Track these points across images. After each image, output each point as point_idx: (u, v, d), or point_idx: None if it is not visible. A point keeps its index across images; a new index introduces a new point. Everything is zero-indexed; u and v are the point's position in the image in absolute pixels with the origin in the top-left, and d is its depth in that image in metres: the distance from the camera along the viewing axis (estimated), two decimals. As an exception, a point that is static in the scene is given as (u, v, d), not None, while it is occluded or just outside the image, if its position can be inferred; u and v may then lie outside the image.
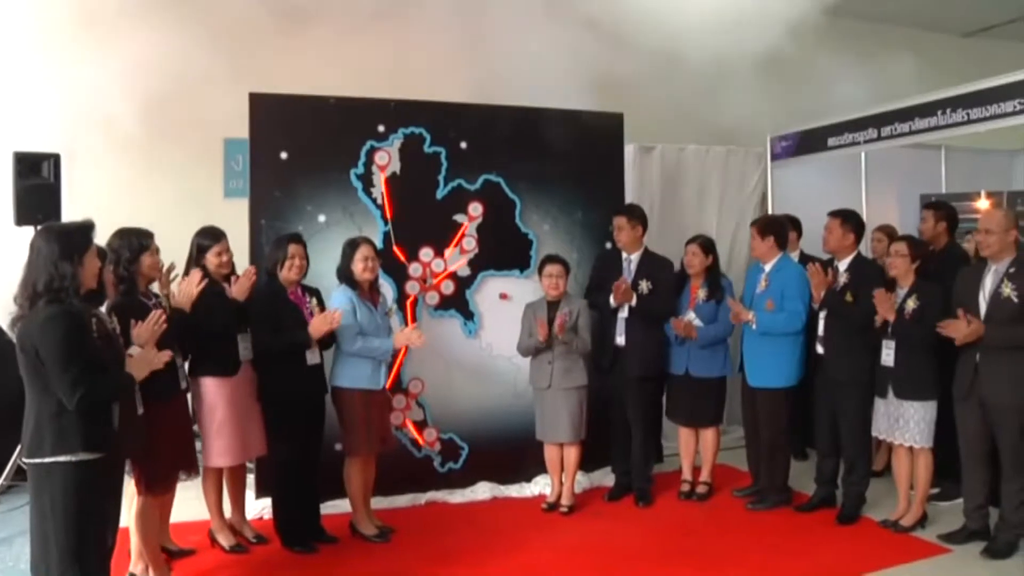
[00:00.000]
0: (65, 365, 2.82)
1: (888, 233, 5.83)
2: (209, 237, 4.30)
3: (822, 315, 4.81)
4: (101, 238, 3.58)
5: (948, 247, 5.23)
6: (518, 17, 7.24)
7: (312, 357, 4.38)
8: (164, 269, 4.12)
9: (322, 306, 4.49)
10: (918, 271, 4.55)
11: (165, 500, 4.08)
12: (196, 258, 4.28)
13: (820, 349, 4.86)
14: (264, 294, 4.36)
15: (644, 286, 5.11)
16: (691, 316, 5.14)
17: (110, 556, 3.37)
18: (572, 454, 5.07)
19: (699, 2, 5.79)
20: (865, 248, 5.55)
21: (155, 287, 4.11)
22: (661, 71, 7.80)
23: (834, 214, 4.93)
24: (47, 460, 2.87)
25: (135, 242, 3.83)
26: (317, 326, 4.26)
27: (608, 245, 5.52)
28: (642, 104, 6.80)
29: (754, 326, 4.92)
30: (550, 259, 5.07)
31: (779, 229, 5.12)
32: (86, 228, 3.07)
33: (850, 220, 4.87)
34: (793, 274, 4.96)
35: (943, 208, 5.34)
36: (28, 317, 2.88)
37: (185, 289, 3.96)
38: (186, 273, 4.27)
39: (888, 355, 4.56)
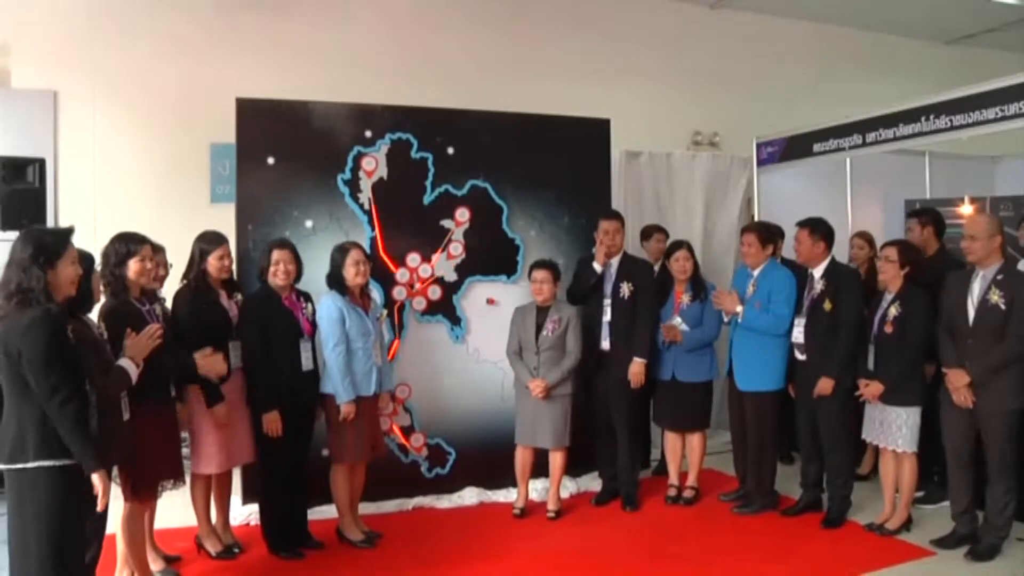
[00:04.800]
0: (47, 371, 2.81)
1: (868, 240, 5.83)
2: (211, 242, 4.29)
3: (800, 322, 4.84)
4: (89, 243, 3.57)
5: (939, 253, 5.20)
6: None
7: (307, 363, 4.37)
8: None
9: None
10: (907, 277, 4.56)
11: (151, 508, 4.07)
12: (198, 262, 4.26)
13: (800, 356, 4.88)
14: (255, 300, 4.35)
15: (626, 289, 5.12)
16: (677, 320, 5.16)
17: (95, 563, 3.36)
18: (557, 459, 5.07)
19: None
20: (843, 255, 5.56)
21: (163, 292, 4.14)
22: (650, 75, 7.91)
23: (802, 224, 4.91)
24: (30, 465, 2.84)
25: (122, 247, 3.80)
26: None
27: (595, 250, 5.51)
28: (629, 109, 6.84)
29: (740, 319, 4.94)
30: (538, 264, 5.07)
31: (778, 241, 5.14)
32: (63, 234, 3.06)
33: (818, 229, 4.85)
34: (780, 278, 4.97)
35: (927, 214, 5.34)
36: (10, 321, 2.85)
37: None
38: (185, 277, 4.27)
39: (871, 360, 4.60)
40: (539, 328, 4.96)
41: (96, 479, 2.90)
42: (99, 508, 2.94)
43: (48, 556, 2.83)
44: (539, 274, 5.00)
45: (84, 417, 2.88)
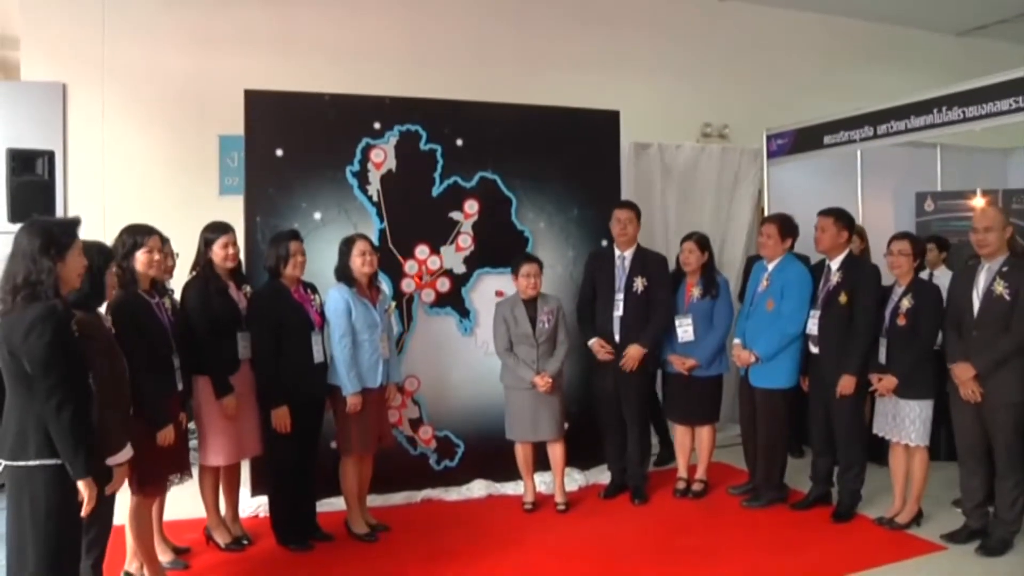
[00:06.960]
0: (46, 372, 2.71)
1: None
2: (215, 230, 4.29)
3: (815, 314, 4.81)
4: (98, 236, 3.58)
5: None
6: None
7: (318, 355, 4.36)
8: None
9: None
10: (918, 269, 4.57)
11: (160, 500, 4.07)
12: (204, 252, 4.27)
13: (813, 348, 4.85)
14: (265, 295, 4.35)
15: (639, 283, 5.10)
16: (686, 322, 5.13)
17: (102, 555, 3.40)
18: (558, 451, 5.06)
19: None
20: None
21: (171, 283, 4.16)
22: (660, 67, 7.88)
23: (827, 213, 4.87)
24: (31, 463, 2.77)
25: (129, 239, 3.80)
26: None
27: (604, 243, 5.51)
28: (638, 101, 6.82)
29: (760, 362, 4.93)
30: (526, 259, 5.04)
31: (796, 234, 5.09)
32: (70, 224, 2.94)
33: (843, 218, 4.83)
34: (796, 275, 4.92)
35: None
36: (14, 317, 2.75)
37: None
38: (194, 268, 4.28)
39: (882, 353, 4.57)
40: (533, 321, 4.96)
41: (82, 486, 2.80)
42: (83, 514, 2.83)
43: (44, 554, 2.78)
44: (530, 268, 4.96)
45: (79, 420, 2.77)
